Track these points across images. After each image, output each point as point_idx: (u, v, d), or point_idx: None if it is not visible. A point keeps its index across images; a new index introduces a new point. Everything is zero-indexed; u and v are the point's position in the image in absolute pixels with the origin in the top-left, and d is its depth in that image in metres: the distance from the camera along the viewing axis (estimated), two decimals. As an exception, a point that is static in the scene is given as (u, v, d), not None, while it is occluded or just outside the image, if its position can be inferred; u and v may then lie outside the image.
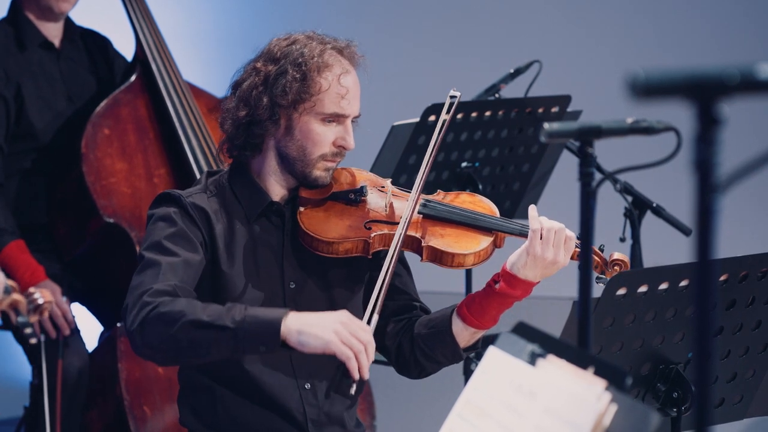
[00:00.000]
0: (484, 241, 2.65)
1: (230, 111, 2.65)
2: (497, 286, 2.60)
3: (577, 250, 2.56)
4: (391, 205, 2.69)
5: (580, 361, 1.70)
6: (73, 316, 3.83)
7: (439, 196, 2.75)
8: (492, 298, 2.60)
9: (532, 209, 2.60)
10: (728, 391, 2.69)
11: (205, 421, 2.65)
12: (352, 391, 2.39)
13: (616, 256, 2.67)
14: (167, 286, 2.44)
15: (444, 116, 2.72)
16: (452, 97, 2.74)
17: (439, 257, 2.64)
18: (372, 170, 2.85)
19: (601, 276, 2.63)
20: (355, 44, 2.69)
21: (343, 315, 2.38)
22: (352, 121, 2.66)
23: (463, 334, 2.65)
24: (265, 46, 2.68)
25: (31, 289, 2.00)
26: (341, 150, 2.64)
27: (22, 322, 1.98)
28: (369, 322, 2.44)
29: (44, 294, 1.98)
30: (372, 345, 2.37)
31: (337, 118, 2.62)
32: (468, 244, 2.64)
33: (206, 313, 2.38)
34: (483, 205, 2.73)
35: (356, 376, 2.34)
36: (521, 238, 2.62)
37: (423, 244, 2.63)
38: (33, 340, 2.09)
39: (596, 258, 2.66)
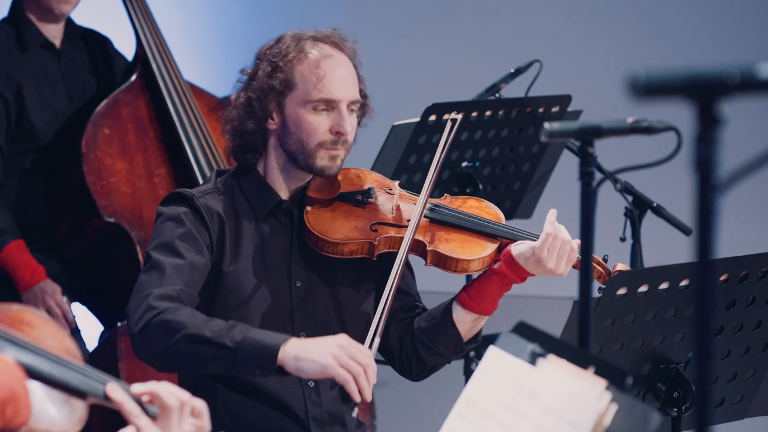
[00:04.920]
0: (489, 248, 2.65)
1: (226, 118, 2.68)
2: (496, 265, 2.60)
3: (579, 258, 2.56)
4: (398, 207, 2.69)
5: (580, 361, 1.71)
6: (74, 316, 3.83)
7: (446, 200, 2.75)
8: (490, 279, 2.61)
9: (551, 214, 2.58)
10: (728, 390, 2.69)
11: (206, 421, 2.65)
12: (354, 414, 2.41)
13: (620, 267, 2.66)
14: (172, 290, 2.45)
15: (444, 138, 2.69)
16: (453, 120, 2.72)
17: (443, 262, 2.64)
18: (372, 170, 2.85)
19: (603, 287, 2.62)
20: (339, 31, 2.68)
21: (342, 338, 2.38)
22: (353, 106, 2.63)
23: (464, 321, 2.65)
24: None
25: None
26: (339, 137, 2.62)
27: None
28: (370, 346, 2.43)
29: None
30: (372, 367, 2.36)
31: (326, 103, 2.60)
32: (473, 249, 2.64)
33: (208, 328, 2.39)
34: (489, 211, 2.73)
35: (357, 399, 2.34)
36: None
37: (428, 248, 2.63)
38: None
39: (599, 268, 2.64)
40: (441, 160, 2.67)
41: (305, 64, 2.60)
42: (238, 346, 2.37)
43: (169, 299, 2.43)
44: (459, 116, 2.72)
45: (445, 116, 2.71)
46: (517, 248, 2.59)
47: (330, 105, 2.60)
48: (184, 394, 1.79)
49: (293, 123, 2.61)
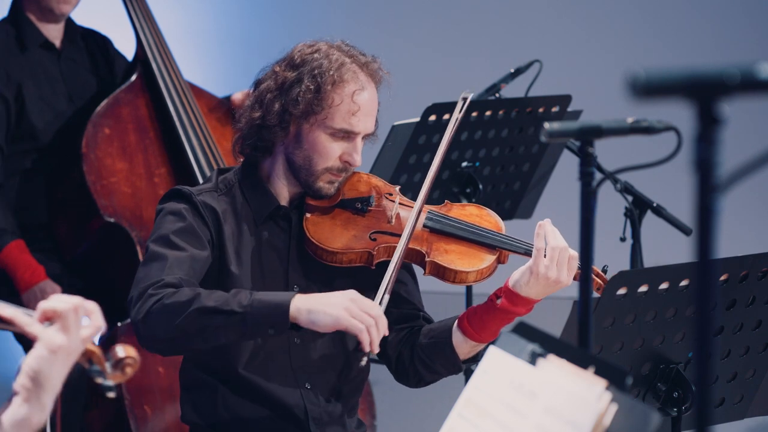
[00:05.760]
0: (488, 259, 2.64)
1: (246, 109, 2.68)
2: (499, 302, 2.59)
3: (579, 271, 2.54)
4: (398, 215, 2.68)
5: (580, 361, 1.70)
6: (74, 316, 3.82)
7: (445, 207, 2.74)
8: (493, 314, 2.60)
9: (539, 227, 2.57)
10: (728, 390, 2.69)
11: (206, 419, 2.65)
12: (363, 362, 2.47)
13: None
14: (173, 278, 2.47)
15: (456, 115, 2.72)
16: (464, 98, 2.75)
17: (441, 273, 2.63)
18: (372, 170, 2.85)
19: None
20: (379, 60, 2.69)
21: (352, 293, 2.44)
22: (366, 137, 2.66)
23: (463, 346, 2.65)
24: (290, 50, 2.68)
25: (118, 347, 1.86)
26: (347, 166, 2.64)
27: (95, 370, 1.87)
28: (381, 303, 2.48)
29: (127, 349, 1.86)
30: (383, 320, 2.42)
31: (346, 134, 2.62)
32: (471, 261, 2.63)
33: (212, 299, 2.42)
34: (490, 220, 2.72)
35: (367, 349, 2.41)
36: (525, 257, 2.60)
37: (426, 258, 2.62)
38: (111, 394, 1.91)
39: (598, 280, 2.61)
40: (449, 139, 2.68)
41: (339, 93, 2.59)
42: (247, 309, 2.40)
43: (169, 286, 2.45)
44: (470, 94, 2.77)
45: (463, 94, 2.73)
46: (512, 279, 2.58)
47: (348, 135, 2.62)
48: (75, 298, 1.76)
49: (307, 140, 2.62)
